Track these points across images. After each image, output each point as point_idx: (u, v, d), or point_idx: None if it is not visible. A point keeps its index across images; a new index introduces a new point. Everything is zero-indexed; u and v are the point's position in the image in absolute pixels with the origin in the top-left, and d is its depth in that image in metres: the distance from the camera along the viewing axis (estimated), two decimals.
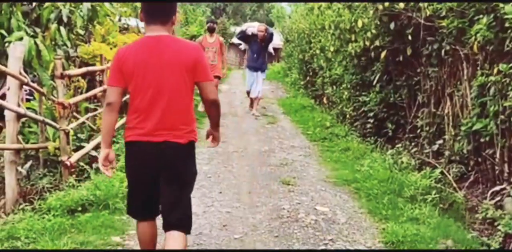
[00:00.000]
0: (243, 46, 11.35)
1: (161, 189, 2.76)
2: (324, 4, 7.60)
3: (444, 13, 4.80)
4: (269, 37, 9.66)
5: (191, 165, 2.84)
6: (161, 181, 2.75)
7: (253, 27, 9.98)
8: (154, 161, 2.72)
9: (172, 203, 2.75)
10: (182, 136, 2.72)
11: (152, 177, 2.76)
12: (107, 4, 6.45)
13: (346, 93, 7.84)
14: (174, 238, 2.68)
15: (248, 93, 10.02)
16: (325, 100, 9.95)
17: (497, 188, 4.25)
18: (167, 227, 2.74)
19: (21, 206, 4.05)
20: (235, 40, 12.48)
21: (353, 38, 6.66)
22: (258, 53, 9.75)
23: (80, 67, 6.49)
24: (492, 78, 4.13)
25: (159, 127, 2.68)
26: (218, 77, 9.04)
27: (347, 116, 7.87)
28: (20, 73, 4.15)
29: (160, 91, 2.68)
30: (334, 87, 8.87)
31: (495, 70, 4.15)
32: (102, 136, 2.88)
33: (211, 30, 9.35)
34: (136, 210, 2.89)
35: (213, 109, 2.83)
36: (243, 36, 9.96)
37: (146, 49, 2.69)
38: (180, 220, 2.75)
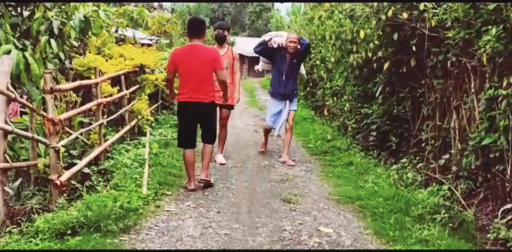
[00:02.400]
0: (260, 66, 7.38)
1: (201, 126, 5.27)
2: (324, 14, 7.43)
3: (449, 24, 4.65)
4: (304, 51, 6.68)
5: (213, 112, 5.33)
6: (199, 123, 5.23)
7: (279, 36, 6.71)
8: (193, 113, 5.11)
9: (206, 131, 5.31)
10: (207, 98, 5.07)
11: (192, 122, 5.19)
12: (102, 15, 6.26)
13: (347, 105, 7.67)
14: (206, 147, 5.31)
15: (267, 131, 7.11)
16: (326, 112, 9.74)
17: (508, 206, 4.07)
18: (203, 141, 5.33)
19: (8, 229, 3.81)
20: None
21: (354, 49, 6.49)
22: (288, 74, 6.65)
23: (74, 80, 6.28)
24: (502, 91, 3.96)
25: (195, 93, 5.01)
26: (231, 107, 6.60)
27: (349, 128, 7.69)
28: (8, 89, 3.95)
29: (195, 74, 4.99)
30: (335, 98, 8.69)
31: (505, 83, 3.98)
32: (168, 90, 5.91)
33: (220, 40, 6.56)
34: (184, 143, 5.20)
35: (222, 85, 5.27)
36: (264, 48, 6.70)
37: (188, 51, 5.08)
38: (209, 139, 5.34)
